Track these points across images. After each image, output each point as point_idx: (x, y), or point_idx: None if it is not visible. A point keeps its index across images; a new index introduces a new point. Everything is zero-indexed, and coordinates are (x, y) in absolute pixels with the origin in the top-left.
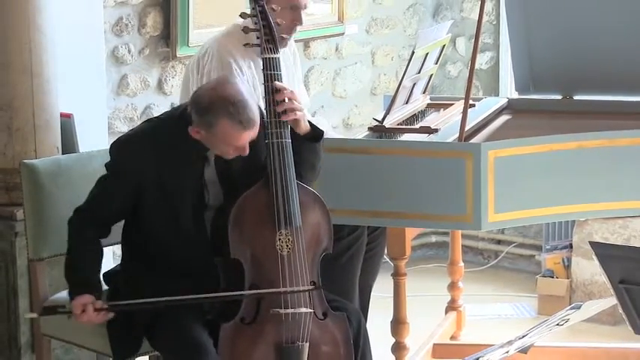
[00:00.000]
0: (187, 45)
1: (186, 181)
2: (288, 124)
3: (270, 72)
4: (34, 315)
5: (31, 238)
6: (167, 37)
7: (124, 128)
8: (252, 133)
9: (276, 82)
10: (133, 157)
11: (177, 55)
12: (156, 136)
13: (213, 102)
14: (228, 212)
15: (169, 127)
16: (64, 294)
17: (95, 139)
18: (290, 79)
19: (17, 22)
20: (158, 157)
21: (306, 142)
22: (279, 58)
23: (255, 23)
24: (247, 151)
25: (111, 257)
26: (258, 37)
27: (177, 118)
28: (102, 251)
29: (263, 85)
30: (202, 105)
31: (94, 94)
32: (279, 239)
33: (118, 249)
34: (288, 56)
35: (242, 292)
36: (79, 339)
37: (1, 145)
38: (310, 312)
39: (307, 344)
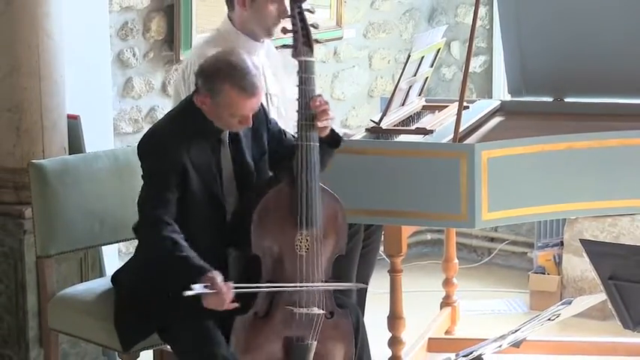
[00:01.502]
0: (190, 49)
1: (210, 164)
2: (317, 129)
3: (305, 75)
4: (191, 292)
5: (39, 235)
6: (171, 41)
7: (129, 129)
8: (255, 101)
9: (316, 97)
10: (167, 145)
11: (181, 59)
12: (179, 121)
13: (219, 67)
14: (248, 207)
15: (185, 115)
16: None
17: (101, 140)
18: (274, 67)
19: (26, 27)
20: (185, 142)
21: (326, 146)
22: (314, 61)
23: (294, 25)
24: (251, 122)
25: (116, 255)
26: (295, 40)
27: (187, 106)
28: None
29: (298, 88)
30: (207, 71)
31: (100, 96)
32: (299, 239)
33: (123, 246)
34: (285, 55)
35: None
36: (86, 333)
37: (10, 145)
38: (323, 313)
39: (316, 343)
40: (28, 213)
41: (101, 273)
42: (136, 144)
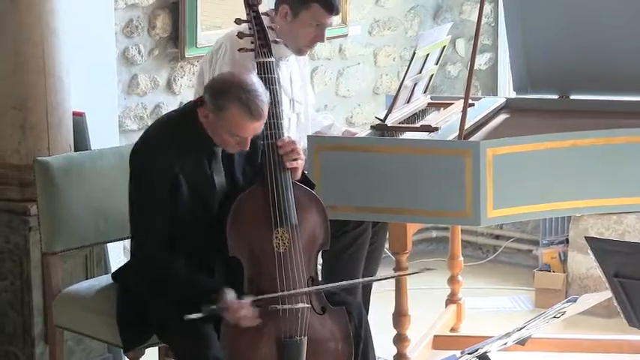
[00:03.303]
0: (195, 46)
1: (203, 175)
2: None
3: (265, 75)
4: (197, 315)
5: (45, 232)
6: (176, 38)
7: (134, 126)
8: (257, 125)
9: (282, 139)
10: (159, 156)
11: (186, 56)
12: (172, 129)
13: (228, 86)
14: (224, 212)
15: (184, 120)
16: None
17: (106, 137)
18: (303, 77)
19: (31, 24)
20: (177, 152)
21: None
22: (273, 62)
23: (250, 29)
24: (248, 147)
25: (121, 251)
26: (252, 42)
27: (188, 112)
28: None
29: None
30: (217, 87)
31: (105, 93)
32: (276, 237)
33: (128, 243)
34: (300, 58)
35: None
36: (91, 330)
37: (16, 142)
38: (307, 307)
39: (306, 338)
40: (34, 210)
41: (106, 270)
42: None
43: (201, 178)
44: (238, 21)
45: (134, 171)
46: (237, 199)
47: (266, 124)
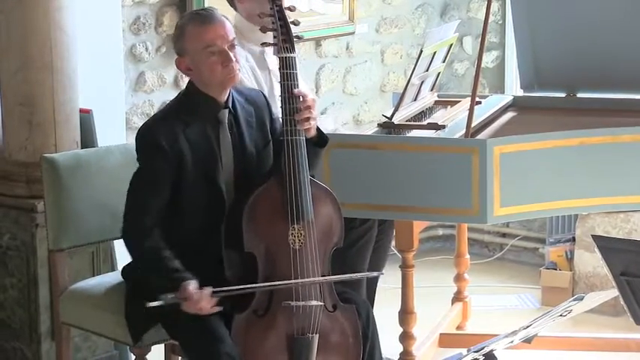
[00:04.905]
0: None
1: (209, 143)
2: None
3: (288, 71)
4: (156, 304)
5: (51, 229)
6: None
7: (141, 124)
8: (219, 28)
9: (299, 90)
10: (165, 132)
11: None
12: (175, 109)
13: (179, 25)
14: (239, 206)
15: (183, 99)
16: (89, 282)
17: (113, 134)
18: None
19: (39, 21)
20: (181, 124)
21: (312, 146)
22: (295, 57)
23: (273, 22)
24: (233, 60)
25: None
26: (275, 37)
27: (184, 90)
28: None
29: (280, 84)
30: (174, 35)
31: (112, 90)
32: (292, 233)
33: None
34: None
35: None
36: (97, 327)
37: (23, 139)
38: (320, 305)
39: (317, 335)
40: (41, 207)
41: (113, 267)
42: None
43: (207, 152)
44: (264, 29)
45: (138, 147)
46: (253, 194)
47: (284, 119)
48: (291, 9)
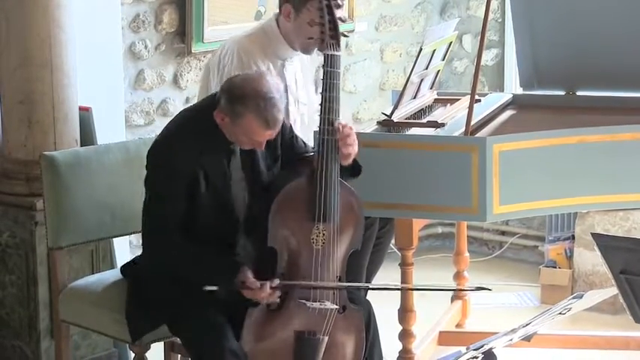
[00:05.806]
0: (202, 41)
1: (222, 171)
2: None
3: (331, 69)
4: (212, 287)
5: (51, 227)
6: (182, 33)
7: (140, 121)
8: (273, 133)
9: (342, 122)
10: (180, 154)
11: (193, 51)
12: (193, 126)
13: (246, 93)
14: (267, 200)
15: (204, 117)
16: (88, 279)
17: (113, 132)
18: (305, 78)
19: (38, 18)
20: (197, 149)
21: (347, 175)
22: (340, 56)
23: (321, 17)
24: (263, 147)
25: (127, 246)
26: (322, 32)
27: (205, 111)
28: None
29: (322, 81)
30: (235, 93)
31: (111, 88)
32: (315, 233)
33: (134, 238)
34: (304, 59)
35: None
36: (97, 325)
37: (22, 137)
38: (336, 308)
39: (327, 337)
40: (40, 205)
41: (112, 265)
42: (148, 143)
43: (220, 178)
44: (311, 22)
45: (154, 164)
46: (282, 189)
47: (321, 118)
48: (340, 4)
